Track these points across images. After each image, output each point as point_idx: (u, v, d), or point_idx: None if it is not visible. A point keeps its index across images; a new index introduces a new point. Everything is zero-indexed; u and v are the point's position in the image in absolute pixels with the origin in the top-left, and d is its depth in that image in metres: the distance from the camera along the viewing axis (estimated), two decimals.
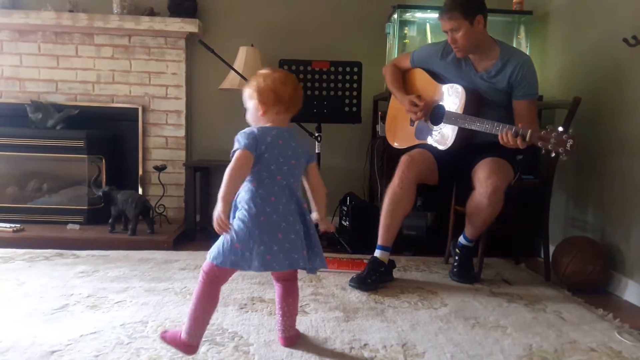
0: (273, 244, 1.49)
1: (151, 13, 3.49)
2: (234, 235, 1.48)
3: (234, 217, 1.53)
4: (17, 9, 3.43)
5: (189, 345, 1.54)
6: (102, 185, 3.33)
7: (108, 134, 3.53)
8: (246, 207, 1.51)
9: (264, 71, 1.62)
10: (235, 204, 1.54)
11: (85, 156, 3.35)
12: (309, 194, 1.70)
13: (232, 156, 1.52)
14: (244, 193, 1.54)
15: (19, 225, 3.13)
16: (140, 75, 3.59)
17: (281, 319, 1.69)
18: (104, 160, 3.43)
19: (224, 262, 1.49)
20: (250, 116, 1.64)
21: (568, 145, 1.98)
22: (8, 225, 3.12)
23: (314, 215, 1.67)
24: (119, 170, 3.57)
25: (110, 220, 3.17)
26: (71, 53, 3.55)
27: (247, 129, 1.57)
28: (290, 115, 1.64)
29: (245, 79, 3.04)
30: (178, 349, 1.56)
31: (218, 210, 1.45)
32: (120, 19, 3.43)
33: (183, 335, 1.54)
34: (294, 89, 1.61)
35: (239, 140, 1.53)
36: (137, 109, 3.58)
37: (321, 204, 1.70)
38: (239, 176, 1.51)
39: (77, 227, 3.24)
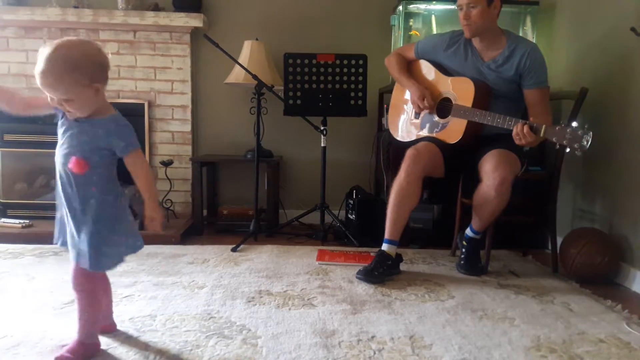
0: None
1: (156, 8, 3.49)
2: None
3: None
4: (22, 6, 3.43)
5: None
6: None
7: None
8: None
9: (68, 41, 1.40)
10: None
11: None
12: None
13: (129, 152, 1.53)
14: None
15: (27, 221, 3.16)
16: (146, 70, 3.60)
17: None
18: None
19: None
20: (82, 102, 1.44)
21: (584, 141, 1.98)
22: (17, 221, 3.15)
23: None
24: (125, 165, 3.57)
25: None
26: None
27: (125, 122, 1.54)
28: None
29: (250, 73, 3.04)
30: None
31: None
32: (125, 15, 3.43)
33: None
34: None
35: (133, 138, 1.53)
36: (143, 104, 3.59)
37: None
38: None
39: None
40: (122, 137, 1.50)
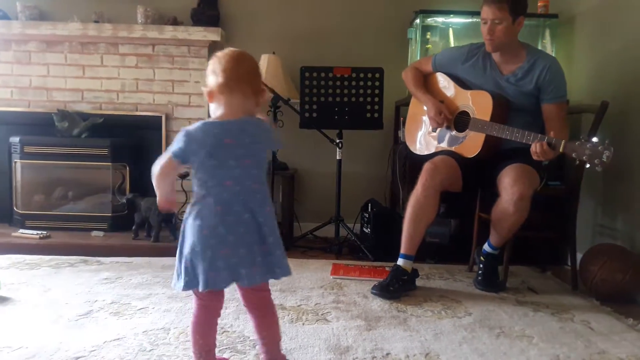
0: (217, 260, 1.33)
1: (174, 22, 3.54)
2: (182, 254, 1.37)
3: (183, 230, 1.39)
4: (45, 21, 3.51)
5: None
6: (126, 193, 3.38)
7: (132, 141, 3.57)
8: (190, 219, 1.37)
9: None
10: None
11: (110, 164, 3.40)
12: None
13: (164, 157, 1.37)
14: (192, 200, 1.40)
15: (45, 232, 3.18)
16: (164, 83, 3.63)
17: (262, 348, 1.51)
18: (127, 168, 3.48)
19: (187, 286, 1.36)
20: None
21: (604, 156, 1.95)
22: (35, 232, 3.18)
23: None
24: (142, 178, 3.59)
25: (133, 227, 3.20)
26: (96, 63, 3.61)
27: (192, 127, 1.35)
28: (242, 96, 1.38)
29: (267, 86, 3.05)
30: None
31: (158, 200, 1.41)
32: (144, 29, 3.48)
33: None
34: (234, 61, 1.37)
35: (176, 143, 1.35)
36: (161, 117, 3.62)
37: None
38: (165, 182, 1.41)
39: (101, 234, 3.28)
40: None
